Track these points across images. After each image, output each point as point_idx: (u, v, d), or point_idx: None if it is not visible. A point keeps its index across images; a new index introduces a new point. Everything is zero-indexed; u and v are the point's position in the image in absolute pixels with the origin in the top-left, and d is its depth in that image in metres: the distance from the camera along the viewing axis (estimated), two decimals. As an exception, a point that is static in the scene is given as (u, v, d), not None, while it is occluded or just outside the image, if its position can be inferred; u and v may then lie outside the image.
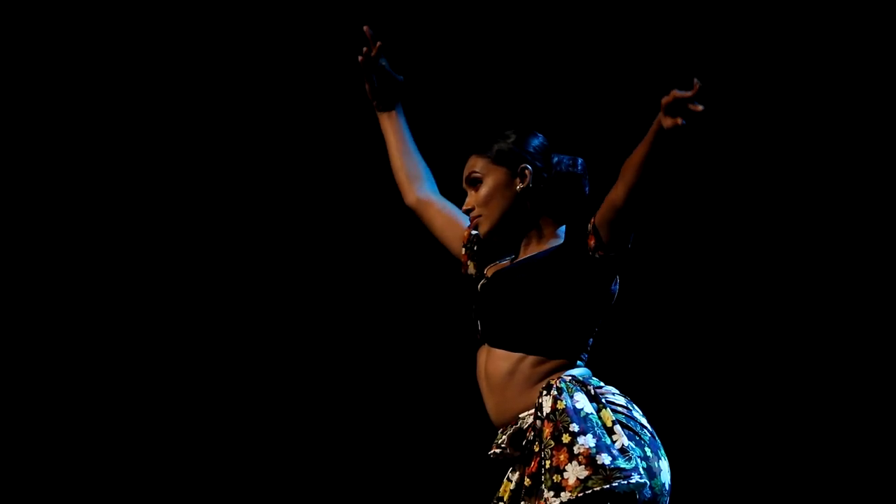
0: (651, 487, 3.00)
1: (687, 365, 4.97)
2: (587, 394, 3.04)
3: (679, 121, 2.83)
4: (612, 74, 4.97)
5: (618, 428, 3.00)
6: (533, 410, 3.07)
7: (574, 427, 2.97)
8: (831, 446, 4.88)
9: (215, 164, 5.23)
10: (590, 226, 3.08)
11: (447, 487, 5.02)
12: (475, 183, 3.25)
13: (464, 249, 3.40)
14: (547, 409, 3.02)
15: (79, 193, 5.19)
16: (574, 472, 2.94)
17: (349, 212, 5.17)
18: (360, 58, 3.46)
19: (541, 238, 3.24)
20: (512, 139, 3.25)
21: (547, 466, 2.97)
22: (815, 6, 4.84)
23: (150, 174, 5.22)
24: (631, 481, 2.93)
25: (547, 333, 3.12)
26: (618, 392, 3.13)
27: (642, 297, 4.86)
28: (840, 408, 4.88)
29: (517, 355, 3.13)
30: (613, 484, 2.92)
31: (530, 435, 3.07)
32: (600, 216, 3.05)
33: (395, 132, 3.56)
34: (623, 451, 2.97)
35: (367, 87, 3.53)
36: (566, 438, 2.97)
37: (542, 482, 2.98)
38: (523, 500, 3.07)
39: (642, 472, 2.97)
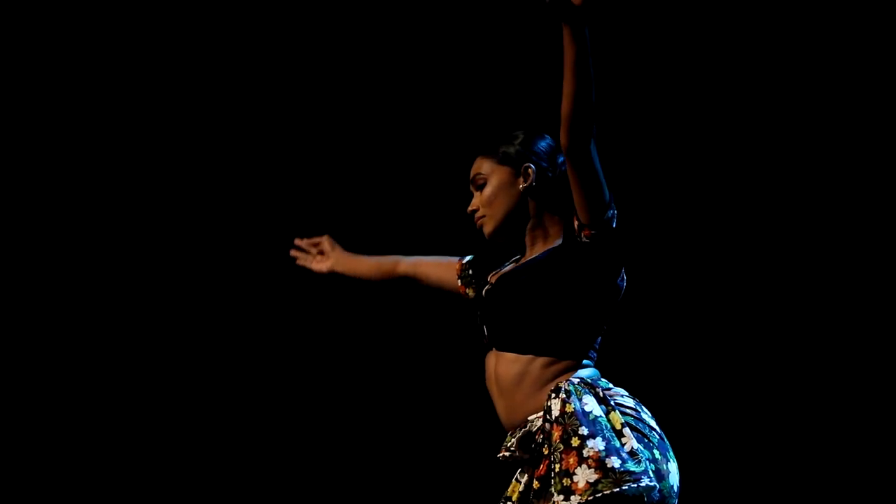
0: (660, 490, 3.00)
1: (695, 367, 4.97)
2: (596, 396, 3.04)
3: None
4: (612, 74, 4.96)
5: (627, 430, 3.00)
6: (542, 413, 3.06)
7: (583, 430, 2.97)
8: (840, 448, 4.87)
9: (215, 165, 5.24)
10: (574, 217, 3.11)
11: (457, 489, 5.03)
12: (480, 184, 3.25)
13: (459, 281, 3.46)
14: (556, 412, 3.01)
15: (79, 193, 5.20)
16: (584, 476, 2.94)
17: (355, 213, 5.17)
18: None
19: (546, 238, 3.24)
20: (518, 140, 3.26)
21: (556, 470, 2.97)
22: (816, 6, 4.84)
23: (151, 174, 5.22)
24: (641, 484, 2.93)
25: (554, 333, 3.12)
26: (627, 394, 3.13)
27: (650, 298, 4.87)
28: (849, 410, 4.88)
29: (526, 357, 3.13)
30: (623, 487, 2.92)
31: (539, 438, 3.06)
32: (574, 197, 3.07)
33: (360, 274, 3.67)
34: (632, 453, 2.97)
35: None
36: (575, 442, 2.96)
37: (552, 485, 2.98)
38: (532, 502, 3.07)
39: (651, 474, 2.97)
